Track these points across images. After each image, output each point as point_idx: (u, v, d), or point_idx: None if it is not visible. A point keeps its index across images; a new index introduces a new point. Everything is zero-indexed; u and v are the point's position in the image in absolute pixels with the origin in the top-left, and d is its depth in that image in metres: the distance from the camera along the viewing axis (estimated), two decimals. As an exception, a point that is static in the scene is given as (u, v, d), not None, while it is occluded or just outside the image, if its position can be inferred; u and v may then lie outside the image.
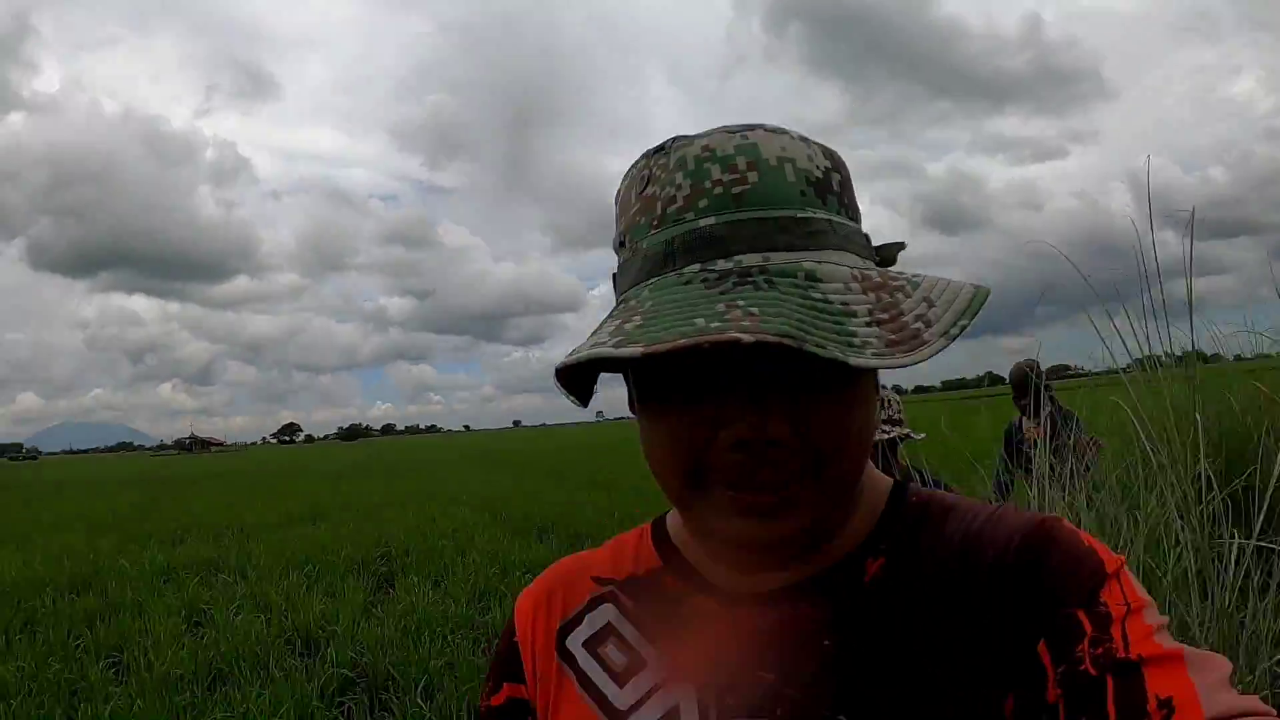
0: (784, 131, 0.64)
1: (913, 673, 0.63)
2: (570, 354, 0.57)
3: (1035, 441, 4.80)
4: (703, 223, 0.59)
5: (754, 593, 0.70)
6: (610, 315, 0.62)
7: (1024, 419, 5.71)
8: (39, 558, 11.41)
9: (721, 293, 0.55)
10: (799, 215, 0.60)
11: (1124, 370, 3.88)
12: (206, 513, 17.11)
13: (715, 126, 0.64)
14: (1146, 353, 4.32)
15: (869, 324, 0.54)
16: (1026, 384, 5.76)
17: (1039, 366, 5.60)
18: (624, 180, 0.68)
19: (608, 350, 0.53)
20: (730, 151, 0.61)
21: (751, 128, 0.63)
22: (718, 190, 0.60)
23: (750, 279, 0.56)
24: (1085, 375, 4.90)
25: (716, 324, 0.52)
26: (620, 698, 0.71)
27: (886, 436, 3.05)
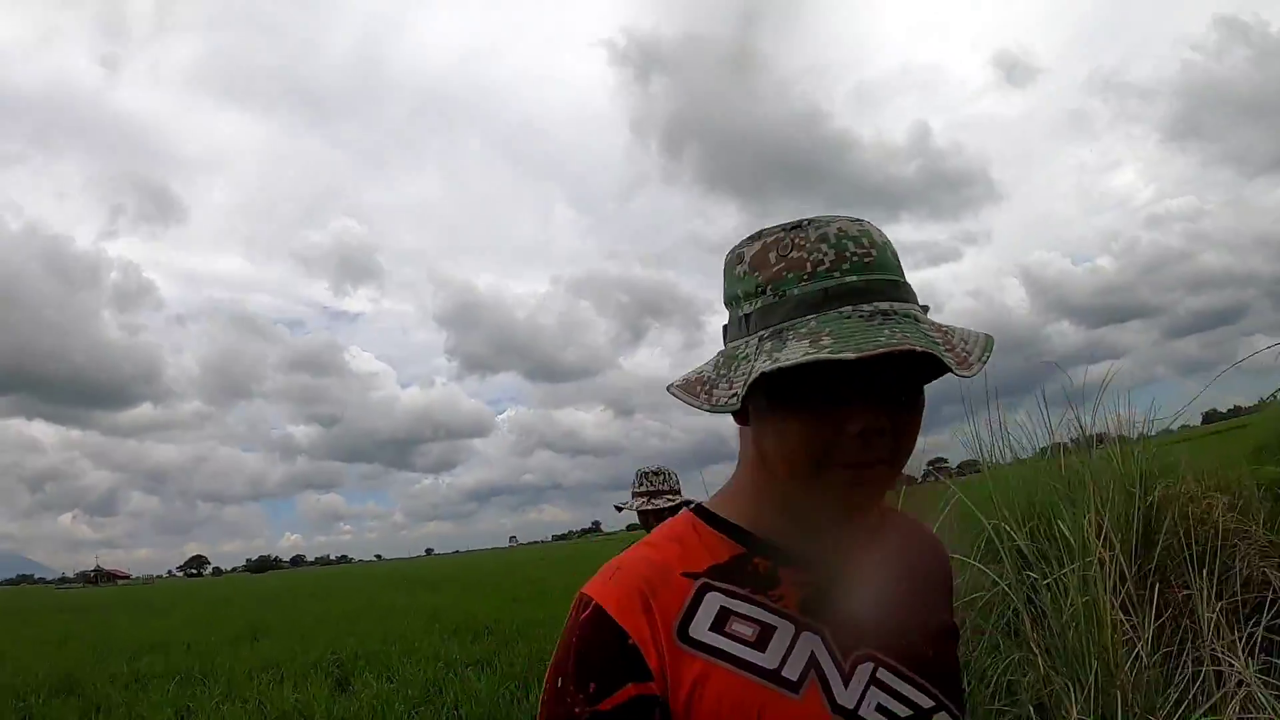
0: (875, 227, 0.90)
1: (946, 609, 1.07)
2: (776, 361, 0.79)
3: None
4: (848, 279, 0.84)
5: (825, 559, 0.93)
6: (772, 338, 0.84)
7: None
8: (8, 669, 11.72)
9: (878, 324, 0.80)
10: (899, 280, 0.87)
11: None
12: (148, 634, 17.22)
13: (834, 214, 0.90)
14: (1043, 443, 5.10)
15: (946, 351, 0.78)
16: None
17: None
18: (752, 246, 0.91)
19: (826, 356, 0.76)
20: (856, 234, 0.87)
21: (859, 219, 0.89)
22: (854, 258, 0.85)
23: (890, 316, 0.81)
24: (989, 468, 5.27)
25: (895, 339, 0.77)
26: (767, 660, 0.87)
27: (670, 504, 3.70)
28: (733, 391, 0.83)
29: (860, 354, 0.75)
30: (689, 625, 0.87)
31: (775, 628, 0.88)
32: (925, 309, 0.89)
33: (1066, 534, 3.96)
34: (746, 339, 0.88)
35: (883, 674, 0.91)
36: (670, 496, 3.71)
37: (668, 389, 0.92)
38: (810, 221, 0.88)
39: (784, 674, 0.86)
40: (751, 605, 0.89)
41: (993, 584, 4.20)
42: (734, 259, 0.93)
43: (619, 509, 3.94)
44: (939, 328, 0.82)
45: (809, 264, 0.85)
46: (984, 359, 0.81)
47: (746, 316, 0.89)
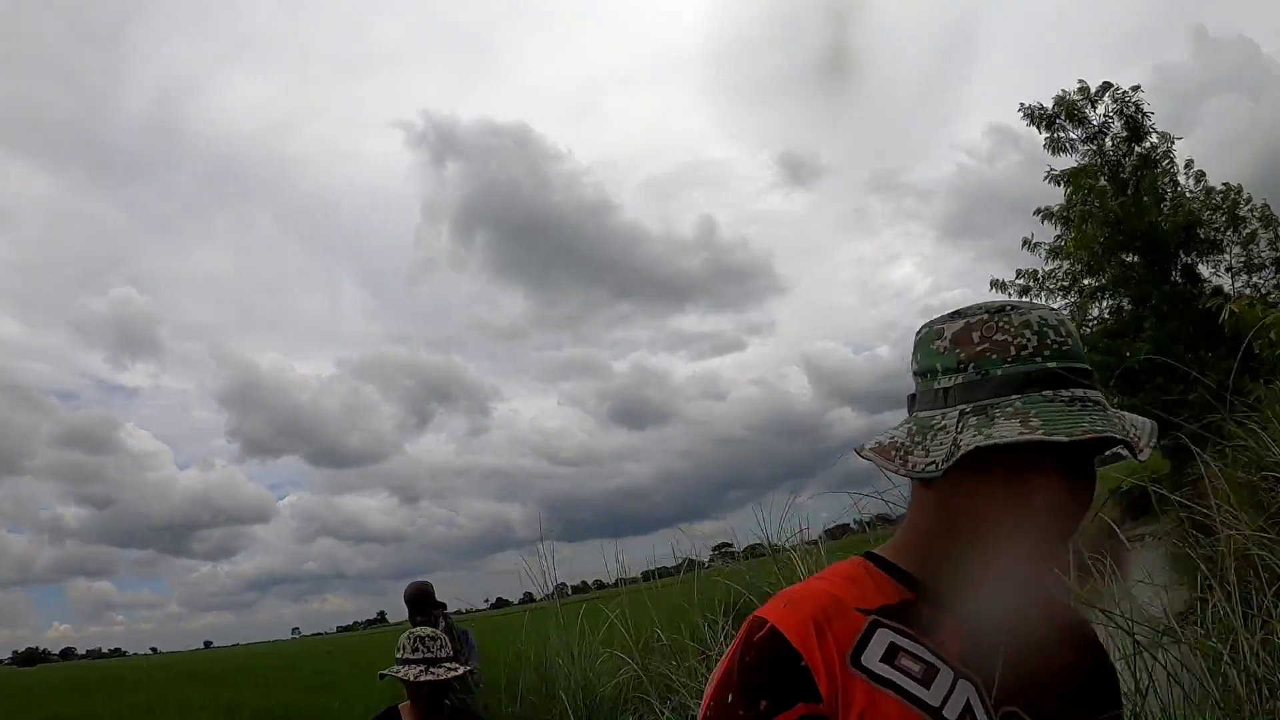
0: (1066, 317, 0.97)
1: None
2: (989, 438, 0.86)
3: None
4: (1049, 365, 0.90)
5: (985, 615, 0.95)
6: (976, 413, 0.90)
7: None
8: None
9: (1078, 410, 0.86)
10: (1089, 368, 0.92)
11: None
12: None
13: (1027, 302, 0.99)
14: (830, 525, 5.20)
15: (1133, 437, 0.86)
16: (423, 603, 5.75)
17: (432, 588, 5.83)
18: (954, 324, 0.96)
19: (1040, 437, 0.83)
20: (1055, 323, 0.93)
21: (1055, 309, 0.98)
22: (1054, 345, 0.91)
23: (1086, 404, 0.88)
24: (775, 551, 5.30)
25: (1098, 426, 0.84)
26: (931, 696, 0.90)
27: (454, 674, 3.30)
28: (931, 460, 0.90)
29: (1070, 438, 0.83)
30: (860, 654, 0.91)
31: (938, 669, 0.92)
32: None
33: (687, 637, 5.02)
34: (944, 410, 0.93)
35: None
36: (450, 666, 3.31)
37: (857, 451, 1.01)
38: (1013, 307, 0.95)
39: (944, 713, 0.89)
40: (917, 645, 0.93)
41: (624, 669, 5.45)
42: (932, 334, 0.99)
43: (383, 677, 3.40)
44: (1119, 413, 0.89)
45: (1013, 347, 0.92)
46: (1152, 443, 0.89)
47: (945, 390, 0.94)
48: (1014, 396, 0.89)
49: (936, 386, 0.96)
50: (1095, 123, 19.25)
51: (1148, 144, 19.14)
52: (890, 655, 0.92)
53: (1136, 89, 18.96)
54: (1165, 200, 18.80)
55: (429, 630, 3.38)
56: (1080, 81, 19.24)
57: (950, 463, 0.88)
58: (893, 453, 0.95)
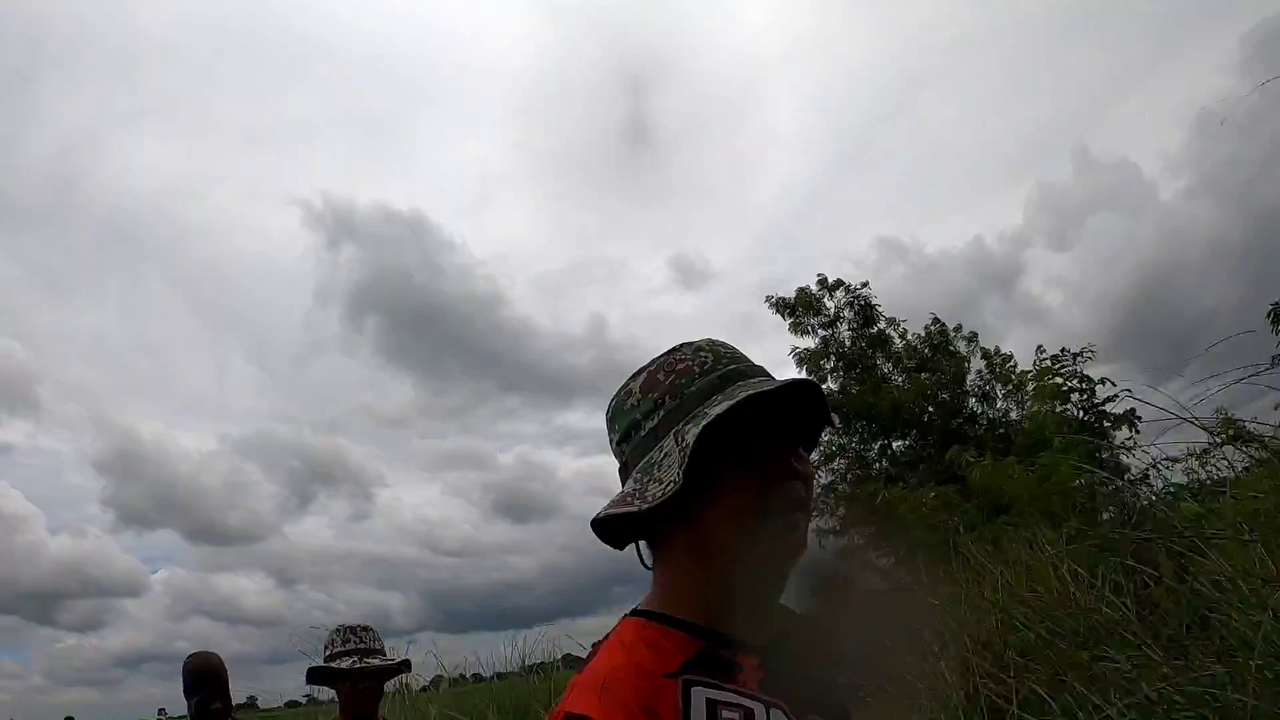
0: None
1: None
2: (706, 416, 0.89)
3: None
4: (732, 368, 0.96)
5: (767, 640, 0.98)
6: (689, 422, 0.92)
7: None
8: None
9: (772, 380, 0.95)
10: (762, 367, 1.00)
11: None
12: None
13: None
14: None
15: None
16: (206, 681, 3.43)
17: (222, 664, 3.62)
18: (637, 379, 1.01)
19: (751, 391, 0.90)
20: (720, 341, 1.02)
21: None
22: (729, 354, 0.98)
23: (774, 380, 0.95)
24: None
25: (798, 378, 0.91)
26: None
27: (386, 664, 2.88)
28: (666, 479, 0.88)
29: (777, 385, 0.90)
30: None
31: (753, 709, 0.91)
32: None
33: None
34: (659, 444, 0.94)
35: None
36: (384, 656, 2.92)
37: (593, 523, 0.98)
38: (681, 344, 1.01)
39: None
40: (726, 692, 0.91)
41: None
42: (623, 397, 1.01)
43: (317, 671, 2.87)
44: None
45: (696, 367, 0.96)
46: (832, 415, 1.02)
47: (654, 429, 0.95)
48: (716, 397, 0.93)
49: (644, 433, 0.97)
50: (831, 311, 21.10)
51: (876, 329, 21.02)
52: (712, 713, 0.89)
53: (865, 284, 20.85)
54: (884, 379, 20.64)
55: (361, 623, 2.98)
56: (819, 275, 21.09)
57: (685, 461, 0.87)
58: (629, 499, 0.93)
